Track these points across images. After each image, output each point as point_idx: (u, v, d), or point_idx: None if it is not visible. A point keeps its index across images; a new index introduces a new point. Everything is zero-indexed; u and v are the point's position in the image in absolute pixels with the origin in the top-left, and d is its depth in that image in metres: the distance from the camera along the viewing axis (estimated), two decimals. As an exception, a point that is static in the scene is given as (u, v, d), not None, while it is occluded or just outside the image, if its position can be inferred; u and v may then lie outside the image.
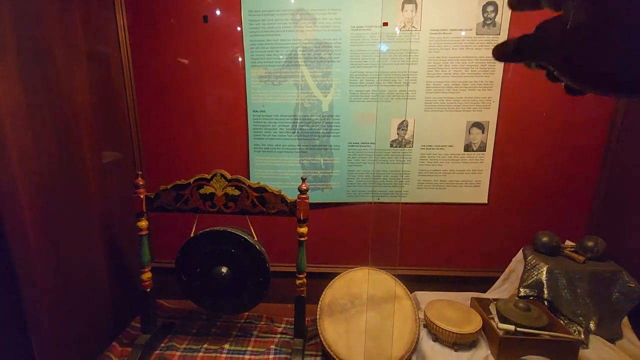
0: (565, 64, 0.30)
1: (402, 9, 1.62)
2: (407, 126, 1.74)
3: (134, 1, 1.68)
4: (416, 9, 1.61)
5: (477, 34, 1.63)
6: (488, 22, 1.62)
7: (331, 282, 1.67)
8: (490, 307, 1.53)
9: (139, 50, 1.73)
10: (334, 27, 1.64)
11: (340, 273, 1.73)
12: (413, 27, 1.63)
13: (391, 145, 1.76)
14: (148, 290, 1.55)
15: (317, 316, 1.57)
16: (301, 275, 1.50)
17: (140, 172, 1.49)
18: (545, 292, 1.53)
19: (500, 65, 1.65)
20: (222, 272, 1.49)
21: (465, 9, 1.61)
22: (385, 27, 1.62)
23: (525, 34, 0.32)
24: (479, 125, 1.73)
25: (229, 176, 1.45)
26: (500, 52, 0.35)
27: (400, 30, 1.64)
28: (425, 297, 1.73)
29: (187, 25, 1.70)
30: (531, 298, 1.55)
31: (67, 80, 1.39)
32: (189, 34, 1.70)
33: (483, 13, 1.61)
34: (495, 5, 1.60)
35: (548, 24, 0.32)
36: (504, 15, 1.60)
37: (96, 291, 1.57)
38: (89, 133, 1.50)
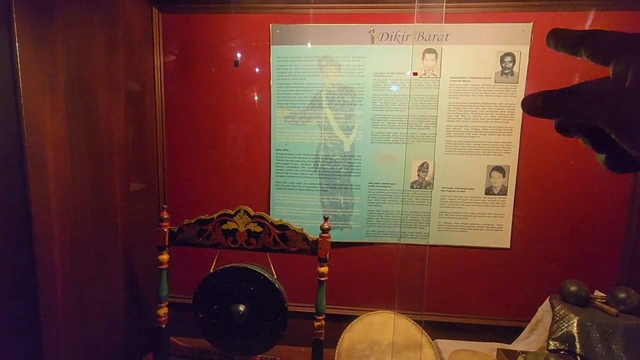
0: (627, 127, 0.25)
1: (422, 58, 1.70)
2: (427, 168, 1.76)
3: (171, 44, 1.81)
4: (437, 57, 1.69)
5: (495, 82, 1.69)
6: (506, 71, 1.68)
7: (349, 326, 1.62)
8: (518, 360, 1.45)
9: (172, 89, 1.84)
10: (357, 73, 1.73)
11: (358, 316, 1.67)
12: (434, 74, 1.70)
13: (411, 187, 1.77)
14: (163, 326, 1.51)
15: (335, 362, 1.50)
16: (320, 317, 1.46)
17: (165, 206, 1.52)
18: (578, 346, 1.44)
19: (519, 112, 1.69)
20: (240, 311, 1.46)
21: (483, 58, 1.68)
22: (411, 75, 1.70)
23: (566, 87, 0.28)
24: (500, 169, 1.74)
25: (252, 212, 1.46)
26: (536, 106, 0.29)
27: (421, 77, 1.72)
28: (447, 345, 1.65)
29: (218, 69, 1.80)
30: (562, 352, 1.46)
31: (106, 116, 1.47)
32: (220, 76, 1.81)
33: (501, 63, 1.68)
34: (513, 56, 1.67)
35: (598, 82, 0.28)
36: (522, 65, 1.67)
37: (111, 323, 1.55)
38: (120, 167, 1.55)
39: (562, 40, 0.30)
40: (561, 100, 0.28)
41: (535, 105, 0.29)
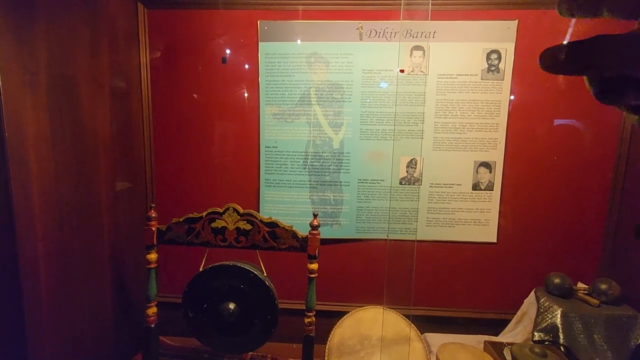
0: None
1: (410, 55, 1.71)
2: (415, 164, 1.77)
3: (157, 41, 1.79)
4: (424, 54, 1.71)
5: (481, 79, 1.71)
6: (492, 68, 1.70)
7: (340, 321, 1.63)
8: (504, 351, 1.48)
9: (159, 87, 1.81)
10: (346, 70, 1.73)
11: (348, 312, 1.69)
12: (421, 71, 1.71)
13: (400, 183, 1.79)
14: (152, 326, 1.50)
15: (325, 357, 1.51)
16: (310, 314, 1.46)
17: (153, 205, 1.50)
18: (561, 336, 1.48)
19: (505, 108, 1.72)
20: (230, 309, 1.46)
21: (470, 56, 1.70)
22: (398, 72, 1.71)
23: (591, 37, 0.23)
24: (486, 165, 1.76)
25: (241, 210, 1.46)
26: (559, 60, 0.24)
27: (408, 74, 1.73)
28: (435, 339, 1.68)
29: (206, 66, 1.79)
30: (546, 343, 1.50)
31: (91, 114, 1.44)
32: (208, 73, 1.79)
33: (487, 60, 1.70)
34: (499, 53, 1.69)
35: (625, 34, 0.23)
36: (507, 62, 1.69)
37: (100, 323, 1.53)
38: (106, 165, 1.53)
39: (578, 1, 0.25)
40: (592, 49, 0.23)
41: (558, 58, 0.24)
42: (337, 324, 1.62)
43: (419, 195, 1.79)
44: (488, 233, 1.81)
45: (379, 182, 1.80)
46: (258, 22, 1.72)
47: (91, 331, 1.47)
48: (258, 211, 1.82)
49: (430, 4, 1.54)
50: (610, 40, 0.22)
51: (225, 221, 1.46)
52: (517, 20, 1.66)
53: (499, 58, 1.69)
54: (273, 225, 1.45)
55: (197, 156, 1.85)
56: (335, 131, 1.77)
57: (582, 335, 1.48)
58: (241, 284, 1.47)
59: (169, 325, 1.72)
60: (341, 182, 1.80)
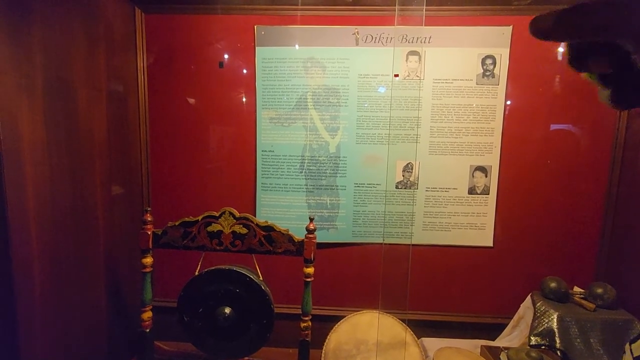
0: None
1: (406, 60, 1.73)
2: (412, 168, 1.78)
3: (155, 45, 1.79)
4: (420, 60, 1.72)
5: (477, 84, 1.73)
6: (487, 73, 1.72)
7: (336, 326, 1.62)
8: (501, 356, 1.47)
9: (155, 91, 1.82)
10: (342, 74, 1.74)
11: (344, 316, 1.68)
12: (417, 76, 1.73)
13: (396, 187, 1.79)
14: (147, 330, 1.49)
15: (321, 363, 1.50)
16: (306, 318, 1.46)
17: (148, 208, 1.50)
18: (558, 341, 1.48)
19: (500, 113, 1.73)
20: (226, 313, 1.45)
21: (465, 61, 1.71)
22: (395, 77, 1.72)
23: (579, 3, 0.23)
24: (482, 169, 1.77)
25: (237, 214, 1.45)
26: (548, 26, 0.24)
27: (404, 79, 1.74)
28: (432, 344, 1.67)
29: (203, 70, 1.79)
30: (543, 347, 1.50)
31: (87, 118, 1.44)
32: (205, 77, 1.80)
33: (482, 65, 1.71)
34: (494, 58, 1.71)
35: None
36: (502, 67, 1.71)
37: (94, 328, 1.52)
38: (102, 168, 1.53)
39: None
40: (580, 16, 0.23)
41: (547, 25, 0.24)
42: (333, 328, 1.61)
43: (415, 199, 1.80)
44: (484, 237, 1.81)
45: (375, 186, 1.80)
46: (255, 27, 1.74)
47: (85, 335, 1.46)
48: (254, 215, 1.82)
49: (424, 10, 1.55)
50: (598, 6, 0.22)
51: (221, 225, 1.46)
52: (511, 26, 1.68)
53: (494, 63, 1.70)
54: (269, 229, 1.45)
55: (194, 160, 1.85)
56: (332, 135, 1.78)
57: (578, 340, 1.48)
58: (237, 288, 1.46)
59: (164, 329, 1.70)
60: (337, 186, 1.80)
